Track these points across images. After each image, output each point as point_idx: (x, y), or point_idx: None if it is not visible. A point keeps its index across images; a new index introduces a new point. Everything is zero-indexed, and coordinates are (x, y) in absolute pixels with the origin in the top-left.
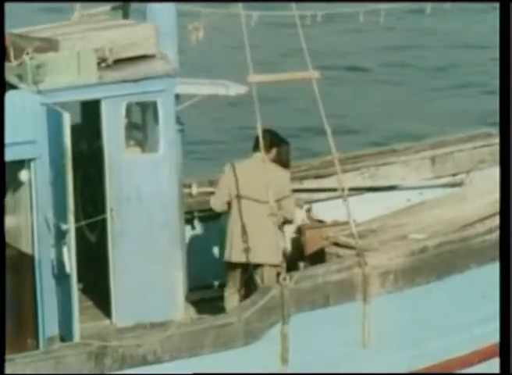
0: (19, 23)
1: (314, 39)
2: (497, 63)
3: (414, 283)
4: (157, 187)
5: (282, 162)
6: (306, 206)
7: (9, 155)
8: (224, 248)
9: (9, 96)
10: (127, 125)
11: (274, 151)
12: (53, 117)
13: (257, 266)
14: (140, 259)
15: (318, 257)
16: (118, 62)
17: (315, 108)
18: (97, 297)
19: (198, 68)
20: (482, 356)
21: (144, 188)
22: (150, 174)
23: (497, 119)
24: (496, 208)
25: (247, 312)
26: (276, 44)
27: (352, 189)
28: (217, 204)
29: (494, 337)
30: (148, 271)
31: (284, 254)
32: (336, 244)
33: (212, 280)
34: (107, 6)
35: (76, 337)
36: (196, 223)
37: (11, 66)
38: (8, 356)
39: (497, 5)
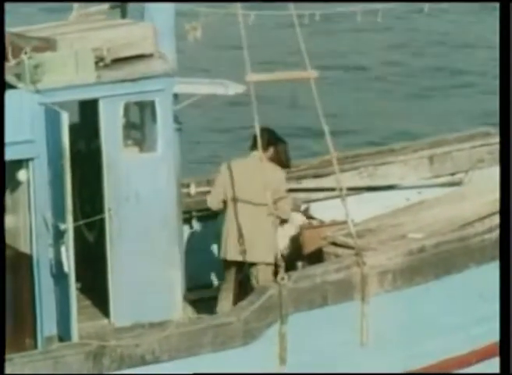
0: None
1: (313, 39)
2: (497, 63)
3: (413, 282)
4: (155, 186)
5: (280, 161)
6: (304, 205)
7: (8, 155)
8: (220, 247)
9: (7, 95)
10: (125, 124)
11: (271, 149)
12: (51, 117)
13: (252, 264)
14: (139, 259)
15: (317, 256)
16: (116, 61)
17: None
18: (95, 296)
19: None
20: (480, 356)
21: (142, 188)
22: (148, 174)
23: (497, 119)
24: (495, 207)
25: (246, 311)
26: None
27: (350, 188)
28: (213, 202)
29: (492, 337)
30: (146, 271)
31: (282, 253)
32: (335, 244)
33: (210, 279)
34: (105, 5)
35: (75, 337)
36: (194, 222)
37: (9, 65)
38: (6, 356)
39: (497, 5)
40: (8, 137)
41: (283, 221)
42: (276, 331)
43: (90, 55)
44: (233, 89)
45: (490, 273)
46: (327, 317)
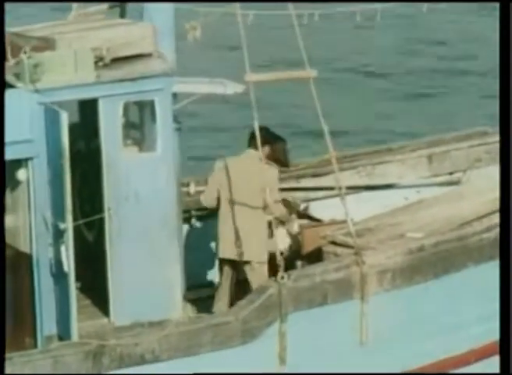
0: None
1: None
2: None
3: (412, 281)
4: (155, 186)
5: (278, 159)
6: (303, 205)
7: (7, 154)
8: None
9: (7, 95)
10: (125, 124)
11: (266, 148)
12: (51, 116)
13: (246, 262)
14: (138, 258)
15: (316, 256)
16: (115, 61)
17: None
18: (95, 295)
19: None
20: (479, 355)
21: (141, 187)
22: (147, 173)
23: (496, 120)
24: (494, 206)
25: (245, 310)
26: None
27: (349, 188)
28: (207, 200)
29: (492, 336)
30: (146, 270)
31: (281, 253)
32: (334, 243)
33: (210, 278)
34: (104, 5)
35: (74, 336)
36: (194, 221)
37: (8, 64)
38: (6, 355)
39: (497, 5)
40: (7, 137)
41: (283, 222)
42: (276, 330)
43: (90, 55)
44: (232, 88)
45: (490, 272)
46: (326, 316)
